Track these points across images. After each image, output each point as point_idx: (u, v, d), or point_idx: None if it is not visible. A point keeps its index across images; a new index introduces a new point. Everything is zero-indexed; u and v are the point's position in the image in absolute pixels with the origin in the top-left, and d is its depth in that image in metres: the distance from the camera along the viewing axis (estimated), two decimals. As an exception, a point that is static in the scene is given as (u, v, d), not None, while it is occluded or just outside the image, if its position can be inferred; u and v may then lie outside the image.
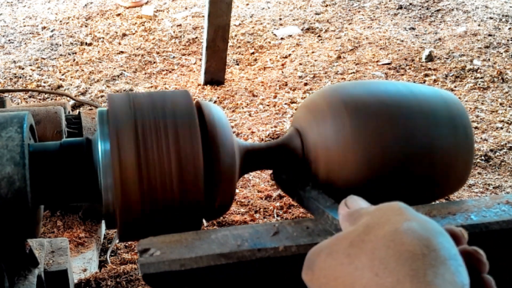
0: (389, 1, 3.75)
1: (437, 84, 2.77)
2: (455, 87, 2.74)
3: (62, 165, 0.86)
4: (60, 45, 3.21)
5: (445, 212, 0.83)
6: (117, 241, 1.65)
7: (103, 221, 1.66)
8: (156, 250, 0.73)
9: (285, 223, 0.81)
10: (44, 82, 2.78)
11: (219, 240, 0.75)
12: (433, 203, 0.86)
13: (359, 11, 3.63)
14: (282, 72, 2.90)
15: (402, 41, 3.20)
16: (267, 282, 0.76)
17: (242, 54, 3.12)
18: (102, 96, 2.68)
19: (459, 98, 2.60)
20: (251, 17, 3.55)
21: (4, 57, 3.06)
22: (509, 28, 3.33)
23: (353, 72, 2.87)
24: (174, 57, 3.10)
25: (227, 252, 0.73)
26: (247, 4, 3.76)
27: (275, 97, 2.65)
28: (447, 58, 2.99)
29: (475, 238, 0.79)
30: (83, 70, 2.93)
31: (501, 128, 2.39)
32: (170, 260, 0.71)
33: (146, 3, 3.73)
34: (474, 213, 0.83)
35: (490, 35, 3.23)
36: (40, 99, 2.64)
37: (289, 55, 3.08)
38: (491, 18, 3.46)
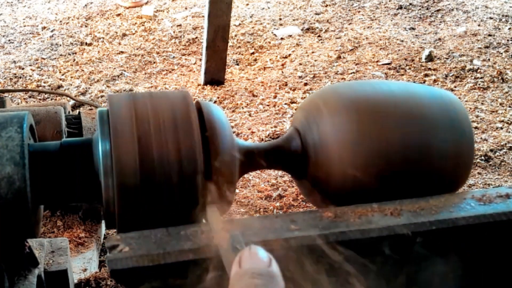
0: (389, 1, 3.74)
1: (437, 84, 2.77)
2: (455, 87, 2.74)
3: (62, 165, 0.86)
4: (60, 45, 3.21)
5: (414, 208, 0.84)
6: (117, 241, 1.65)
7: (103, 221, 1.66)
8: (125, 246, 0.72)
9: (253, 219, 0.81)
10: (44, 82, 2.78)
11: (189, 236, 0.75)
12: (403, 199, 0.87)
13: (359, 11, 3.62)
14: (282, 72, 2.89)
15: (402, 41, 3.20)
16: None
17: (242, 54, 3.12)
18: (102, 96, 2.68)
19: (459, 98, 2.60)
20: (251, 17, 3.55)
21: (4, 57, 3.06)
22: (509, 28, 3.33)
23: (353, 72, 2.87)
24: (174, 57, 3.10)
25: (196, 248, 0.72)
26: (247, 4, 3.76)
27: (275, 97, 2.64)
28: (447, 58, 2.98)
29: (443, 234, 0.79)
30: (83, 70, 2.93)
31: (501, 128, 2.39)
32: (138, 256, 0.70)
33: (146, 3, 3.73)
34: (442, 208, 0.83)
35: (490, 35, 3.23)
36: (40, 99, 2.64)
37: (289, 55, 3.08)
38: (491, 18, 3.46)
